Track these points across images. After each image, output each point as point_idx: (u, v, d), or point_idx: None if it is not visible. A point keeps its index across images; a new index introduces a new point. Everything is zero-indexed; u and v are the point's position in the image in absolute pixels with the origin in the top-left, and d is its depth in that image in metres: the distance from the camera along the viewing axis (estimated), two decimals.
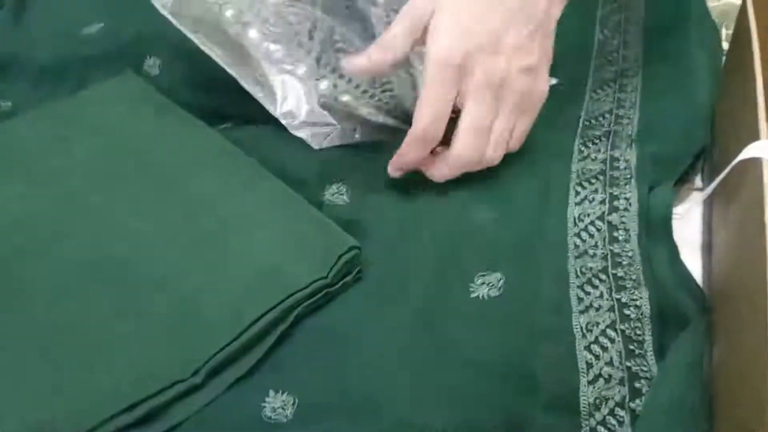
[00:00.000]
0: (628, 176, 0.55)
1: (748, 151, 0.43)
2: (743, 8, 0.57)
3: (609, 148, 0.58)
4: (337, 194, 0.57)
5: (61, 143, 0.65)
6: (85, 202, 0.58)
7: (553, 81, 0.60)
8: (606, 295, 0.47)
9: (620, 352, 0.43)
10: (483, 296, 0.48)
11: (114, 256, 0.53)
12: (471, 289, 0.49)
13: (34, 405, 0.44)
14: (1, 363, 0.46)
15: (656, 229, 0.51)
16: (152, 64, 0.75)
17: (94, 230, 0.55)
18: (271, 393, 0.44)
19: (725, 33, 0.71)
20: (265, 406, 0.44)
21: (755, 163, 0.43)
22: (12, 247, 0.54)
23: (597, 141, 0.59)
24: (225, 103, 0.67)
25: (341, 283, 0.50)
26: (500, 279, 0.49)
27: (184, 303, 0.49)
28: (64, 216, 0.57)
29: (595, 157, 0.57)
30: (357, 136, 0.61)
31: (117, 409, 0.43)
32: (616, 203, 0.53)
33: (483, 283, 0.49)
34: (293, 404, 0.44)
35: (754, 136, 0.45)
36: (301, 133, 0.60)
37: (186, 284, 0.50)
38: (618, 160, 0.57)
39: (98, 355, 0.46)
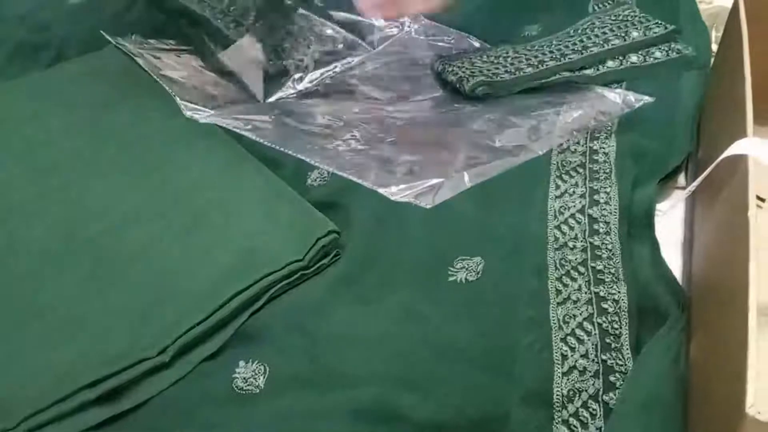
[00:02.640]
0: (608, 170, 0.54)
1: (735, 148, 0.43)
2: (734, 10, 0.56)
3: (588, 139, 0.58)
4: (319, 179, 0.57)
5: (39, 115, 0.64)
6: (61, 178, 0.57)
7: None
8: (584, 288, 0.46)
9: (596, 345, 0.43)
10: (461, 280, 0.47)
11: (88, 234, 0.52)
12: (450, 273, 0.48)
13: None
14: None
15: (638, 225, 0.50)
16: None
17: (69, 207, 0.54)
18: (241, 363, 0.44)
19: (715, 35, 0.71)
20: (236, 377, 0.43)
21: (740, 161, 0.42)
22: None
23: (576, 133, 0.59)
24: None
25: (317, 265, 0.49)
26: (479, 264, 0.48)
27: (157, 282, 0.48)
28: (39, 190, 0.56)
29: (575, 149, 0.57)
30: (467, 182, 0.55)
31: (79, 386, 0.42)
32: (596, 197, 0.52)
33: (462, 268, 0.48)
34: (264, 373, 0.43)
35: (741, 133, 0.45)
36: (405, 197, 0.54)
37: (160, 264, 0.49)
38: (597, 152, 0.56)
39: (65, 332, 0.45)
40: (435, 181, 0.54)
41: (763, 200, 0.53)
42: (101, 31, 0.72)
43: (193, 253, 0.50)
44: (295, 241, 0.49)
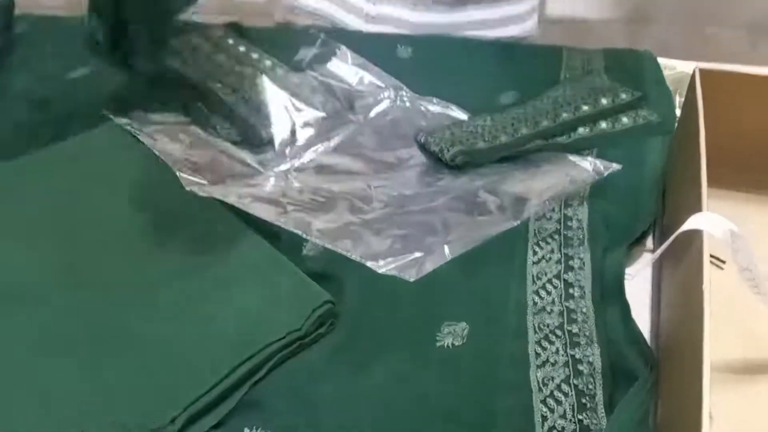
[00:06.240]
0: (581, 236, 0.59)
1: (690, 223, 0.47)
2: (692, 83, 0.61)
3: (563, 206, 0.62)
4: (313, 250, 0.60)
5: (38, 198, 0.66)
6: (64, 259, 0.59)
7: None
8: (561, 351, 0.50)
9: (573, 405, 0.47)
10: (448, 345, 0.51)
11: (94, 310, 0.54)
12: (438, 338, 0.52)
13: None
14: None
15: (610, 289, 0.54)
16: None
17: (74, 284, 0.57)
18: (246, 430, 0.47)
19: (679, 100, 0.76)
20: None
21: (698, 233, 0.47)
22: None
23: (551, 201, 0.63)
24: None
25: (314, 334, 0.53)
26: (465, 329, 0.52)
27: (164, 355, 0.51)
28: (50, 270, 0.58)
29: (551, 216, 0.61)
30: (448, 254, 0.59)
31: None
32: (571, 263, 0.56)
33: (449, 333, 0.52)
34: None
35: (697, 206, 0.49)
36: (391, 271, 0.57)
37: (166, 337, 0.52)
38: (571, 219, 0.61)
39: (73, 407, 0.48)
40: (418, 254, 0.58)
41: (723, 261, 0.58)
42: (103, 111, 0.75)
43: (195, 328, 0.53)
44: (293, 311, 0.53)
